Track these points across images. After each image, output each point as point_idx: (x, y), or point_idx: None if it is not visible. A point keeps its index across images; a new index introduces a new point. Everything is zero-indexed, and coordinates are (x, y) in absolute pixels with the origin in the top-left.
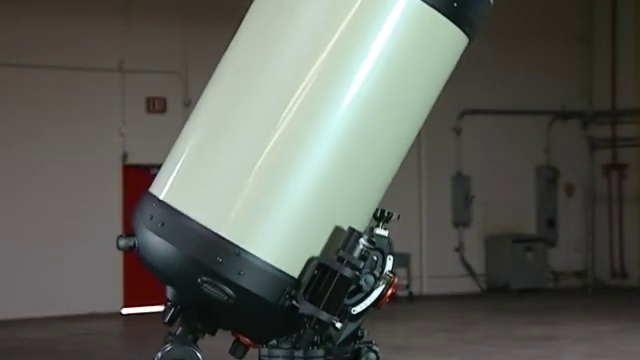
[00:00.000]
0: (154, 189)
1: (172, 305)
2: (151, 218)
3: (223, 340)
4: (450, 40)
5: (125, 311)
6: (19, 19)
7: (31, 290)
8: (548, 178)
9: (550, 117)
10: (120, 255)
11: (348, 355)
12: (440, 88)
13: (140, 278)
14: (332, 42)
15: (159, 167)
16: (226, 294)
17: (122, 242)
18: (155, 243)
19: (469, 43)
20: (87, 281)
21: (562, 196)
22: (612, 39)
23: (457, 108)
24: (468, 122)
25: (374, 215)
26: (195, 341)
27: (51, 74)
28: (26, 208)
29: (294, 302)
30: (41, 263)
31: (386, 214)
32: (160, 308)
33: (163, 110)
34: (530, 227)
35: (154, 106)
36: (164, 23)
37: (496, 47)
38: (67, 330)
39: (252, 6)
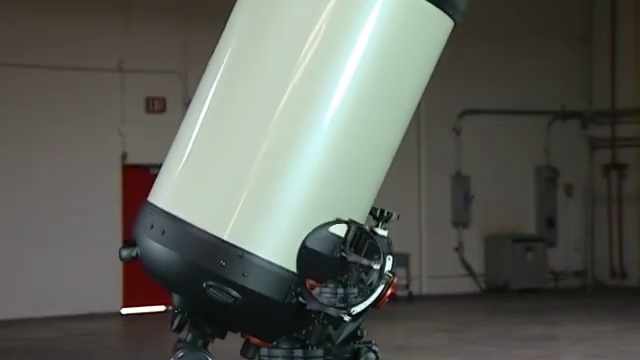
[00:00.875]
0: (152, 197)
1: (179, 312)
2: (151, 227)
3: (233, 342)
4: (434, 24)
5: (124, 311)
6: (19, 19)
7: (31, 290)
8: (548, 178)
9: (550, 117)
10: None
11: (347, 355)
12: (430, 70)
13: (139, 278)
14: (316, 42)
15: (159, 167)
16: (232, 297)
17: (124, 253)
18: (157, 251)
19: (454, 27)
20: (86, 281)
21: (562, 196)
22: (612, 39)
23: (457, 108)
24: (468, 122)
25: (374, 215)
26: (205, 346)
27: (51, 74)
28: (26, 208)
29: (301, 299)
30: (41, 263)
31: (385, 214)
32: (160, 308)
33: (162, 110)
34: (530, 227)
35: (153, 106)
36: (164, 23)
37: (496, 47)
38: (67, 330)
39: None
